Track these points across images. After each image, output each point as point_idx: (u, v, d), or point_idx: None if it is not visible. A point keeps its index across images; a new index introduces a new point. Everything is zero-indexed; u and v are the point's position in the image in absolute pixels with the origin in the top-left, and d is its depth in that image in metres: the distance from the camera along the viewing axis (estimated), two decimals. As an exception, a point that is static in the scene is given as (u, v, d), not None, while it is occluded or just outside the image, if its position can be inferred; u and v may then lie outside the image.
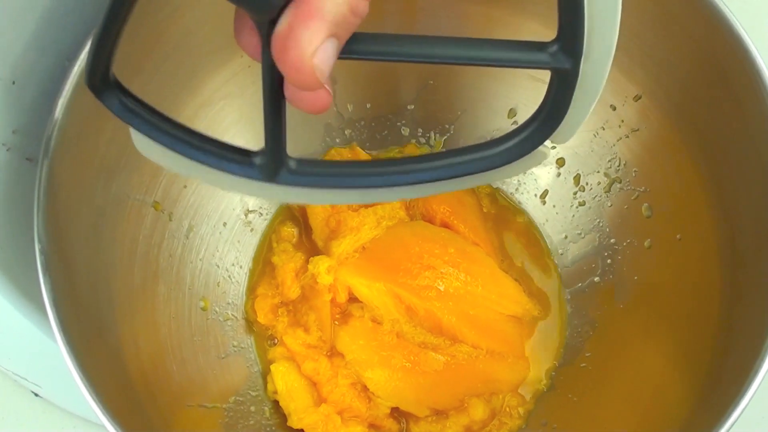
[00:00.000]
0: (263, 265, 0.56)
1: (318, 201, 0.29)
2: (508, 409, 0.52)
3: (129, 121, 0.28)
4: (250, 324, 0.54)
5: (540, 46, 0.25)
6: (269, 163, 0.28)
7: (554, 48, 0.25)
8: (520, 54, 0.25)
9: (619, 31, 0.46)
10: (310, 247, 0.56)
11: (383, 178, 0.28)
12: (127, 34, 0.39)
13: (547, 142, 0.29)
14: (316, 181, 0.28)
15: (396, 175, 0.28)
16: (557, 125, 0.26)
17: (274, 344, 0.54)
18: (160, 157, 0.29)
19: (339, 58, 0.25)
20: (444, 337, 0.53)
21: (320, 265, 0.52)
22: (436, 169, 0.28)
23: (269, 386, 0.52)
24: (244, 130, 0.53)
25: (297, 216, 0.57)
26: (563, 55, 0.25)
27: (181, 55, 0.44)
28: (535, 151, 0.28)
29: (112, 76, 0.27)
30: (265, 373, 0.53)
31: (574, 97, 0.26)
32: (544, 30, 0.46)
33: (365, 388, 0.51)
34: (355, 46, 0.25)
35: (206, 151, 0.28)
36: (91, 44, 0.26)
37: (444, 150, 0.26)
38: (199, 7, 0.43)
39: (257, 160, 0.28)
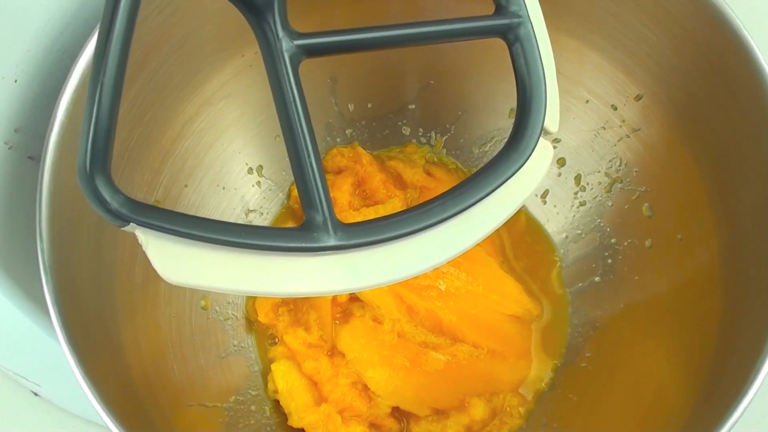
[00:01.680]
0: None
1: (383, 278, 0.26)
2: (508, 409, 0.52)
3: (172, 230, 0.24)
4: (251, 323, 0.54)
5: (485, 17, 0.28)
6: (333, 221, 0.25)
7: (495, 15, 0.28)
8: (466, 25, 0.28)
9: (621, 30, 0.46)
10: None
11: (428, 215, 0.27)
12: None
13: (549, 144, 0.29)
14: (386, 233, 0.26)
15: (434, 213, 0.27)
16: (542, 93, 0.28)
17: (275, 343, 0.54)
18: (200, 274, 0.24)
19: (314, 57, 0.26)
20: (445, 336, 0.53)
21: None
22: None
23: (270, 385, 0.52)
24: (244, 129, 0.53)
25: (298, 215, 0.57)
26: (504, 16, 0.28)
27: (183, 55, 0.44)
28: (540, 147, 0.28)
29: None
30: (266, 373, 0.53)
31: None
32: (547, 31, 0.46)
33: (366, 388, 0.51)
34: (325, 43, 0.26)
35: (258, 235, 0.24)
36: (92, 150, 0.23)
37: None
38: (201, 7, 0.43)
39: (318, 219, 0.25)
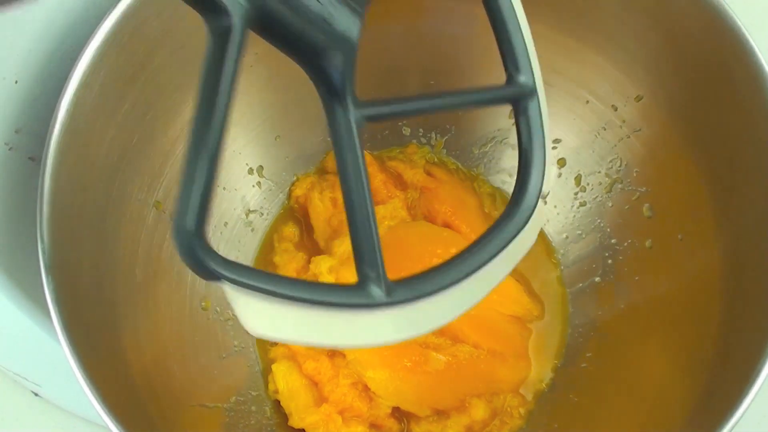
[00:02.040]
0: (264, 265, 0.56)
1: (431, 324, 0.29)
2: (509, 409, 0.52)
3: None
4: (252, 324, 0.54)
5: (500, 88, 0.31)
6: (386, 280, 0.27)
7: (507, 85, 0.31)
8: (480, 95, 0.32)
9: (621, 31, 0.46)
10: (312, 246, 0.56)
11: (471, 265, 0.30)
12: (121, 46, 0.40)
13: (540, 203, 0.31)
14: (426, 288, 0.28)
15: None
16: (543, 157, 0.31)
17: (275, 344, 0.54)
18: (278, 328, 0.26)
19: (373, 122, 0.29)
20: (445, 337, 0.52)
21: (322, 265, 0.51)
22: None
23: (270, 386, 0.52)
24: (245, 129, 0.53)
25: (298, 216, 0.57)
26: (515, 87, 0.31)
27: (184, 56, 0.44)
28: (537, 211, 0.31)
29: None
30: (266, 373, 0.53)
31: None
32: (548, 32, 0.46)
33: (366, 388, 0.51)
34: (386, 112, 0.30)
35: (325, 292, 0.26)
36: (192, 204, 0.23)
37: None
38: (192, 15, 0.43)
39: (372, 277, 0.27)
